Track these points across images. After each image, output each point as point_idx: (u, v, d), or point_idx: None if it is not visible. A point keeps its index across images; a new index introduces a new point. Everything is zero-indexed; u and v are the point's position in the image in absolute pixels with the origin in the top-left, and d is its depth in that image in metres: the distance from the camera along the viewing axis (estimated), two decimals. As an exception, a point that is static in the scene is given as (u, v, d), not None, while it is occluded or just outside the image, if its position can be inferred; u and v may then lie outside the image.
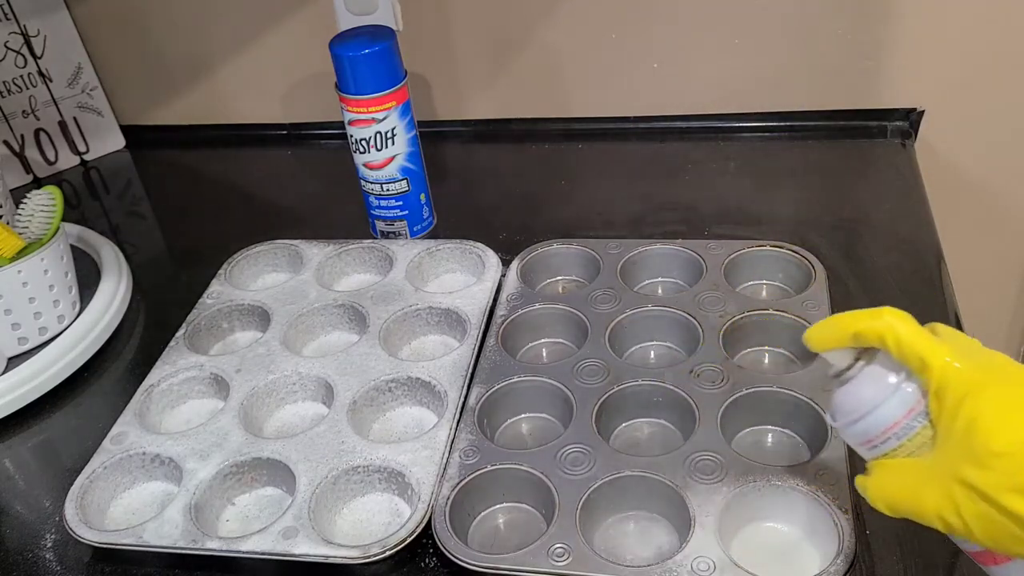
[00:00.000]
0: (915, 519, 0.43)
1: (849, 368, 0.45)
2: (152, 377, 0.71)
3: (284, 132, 1.10)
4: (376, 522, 0.59)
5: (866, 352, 0.45)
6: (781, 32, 0.90)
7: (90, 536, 0.58)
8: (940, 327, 0.45)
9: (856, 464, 0.57)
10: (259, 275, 0.84)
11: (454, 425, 0.62)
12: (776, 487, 0.54)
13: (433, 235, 0.86)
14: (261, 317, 0.76)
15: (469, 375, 0.66)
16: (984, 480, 0.39)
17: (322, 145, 1.08)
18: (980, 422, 0.40)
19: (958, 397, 0.41)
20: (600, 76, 0.97)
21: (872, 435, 0.45)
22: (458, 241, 0.81)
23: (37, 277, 0.73)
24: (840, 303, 0.68)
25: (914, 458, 0.44)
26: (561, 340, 0.72)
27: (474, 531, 0.58)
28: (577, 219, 0.86)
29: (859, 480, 0.46)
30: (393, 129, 0.79)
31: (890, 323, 0.43)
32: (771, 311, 0.68)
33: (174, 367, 0.71)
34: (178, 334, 0.75)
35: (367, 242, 0.83)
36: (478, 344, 0.69)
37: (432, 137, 0.90)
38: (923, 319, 0.45)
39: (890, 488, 0.44)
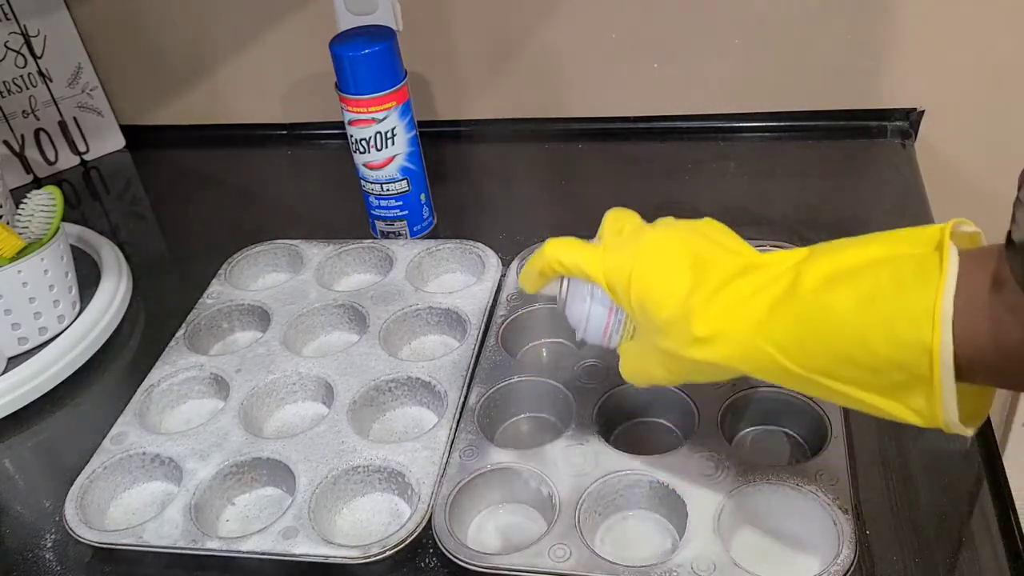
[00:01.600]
0: (654, 384, 0.51)
1: (558, 295, 0.54)
2: (152, 377, 0.71)
3: (284, 132, 1.10)
4: (376, 522, 0.59)
5: (564, 276, 0.53)
6: (781, 32, 0.90)
7: (90, 536, 0.58)
8: (610, 217, 0.53)
9: (856, 464, 0.57)
10: (259, 275, 0.84)
11: (454, 425, 0.62)
12: (776, 487, 0.54)
13: (433, 235, 0.86)
14: (261, 317, 0.76)
15: (469, 375, 0.66)
16: (670, 345, 0.47)
17: (322, 145, 1.08)
18: (646, 302, 0.48)
19: (623, 286, 0.49)
20: (600, 76, 0.97)
21: (599, 337, 0.53)
22: (458, 241, 0.81)
23: (37, 277, 0.73)
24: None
25: (635, 341, 0.52)
26: (561, 340, 0.72)
27: (474, 531, 0.58)
28: (577, 219, 0.86)
29: (619, 367, 0.54)
30: (393, 129, 0.79)
31: (551, 254, 0.52)
32: (771, 311, 0.68)
33: (174, 367, 0.72)
34: (178, 334, 0.75)
35: (367, 242, 0.83)
36: (478, 344, 0.69)
37: (432, 137, 0.90)
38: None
39: (629, 368, 0.53)
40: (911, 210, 0.82)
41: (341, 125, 0.81)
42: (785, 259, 0.45)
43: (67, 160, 1.10)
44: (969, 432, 0.40)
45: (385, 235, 0.86)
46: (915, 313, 0.38)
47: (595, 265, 0.50)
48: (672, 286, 0.47)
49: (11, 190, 0.98)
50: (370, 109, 0.77)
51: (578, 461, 0.58)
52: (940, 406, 0.38)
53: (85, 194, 1.07)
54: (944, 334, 0.37)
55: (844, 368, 0.41)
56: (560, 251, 0.52)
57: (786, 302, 0.43)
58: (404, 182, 0.82)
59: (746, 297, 0.44)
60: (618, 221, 0.53)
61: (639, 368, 0.52)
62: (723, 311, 0.45)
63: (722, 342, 0.45)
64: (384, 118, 0.78)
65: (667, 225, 0.52)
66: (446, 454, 0.60)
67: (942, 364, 0.37)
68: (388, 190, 0.82)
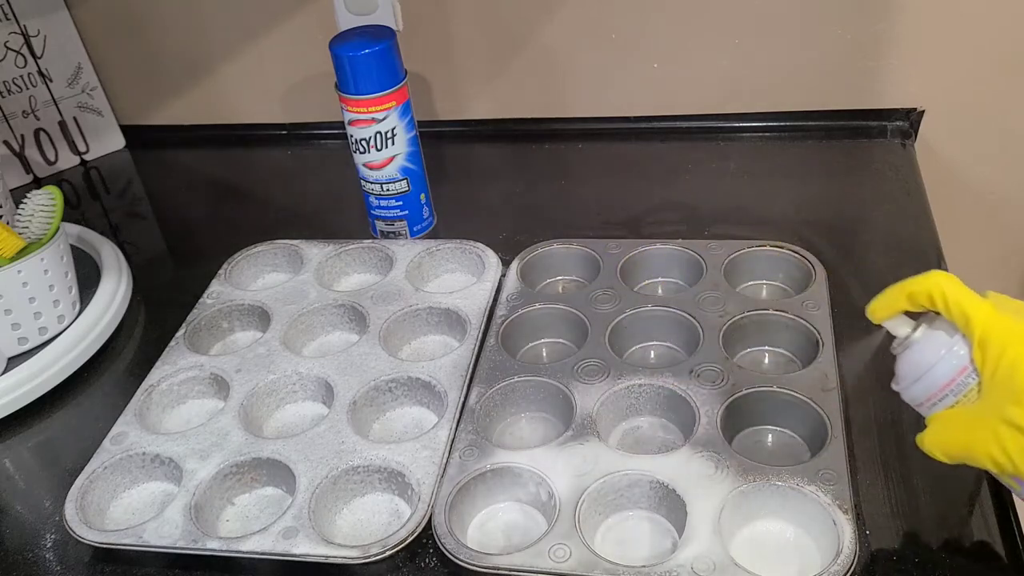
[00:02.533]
0: (968, 461, 0.47)
1: (908, 336, 0.50)
2: (152, 377, 0.71)
3: (284, 132, 1.10)
4: (376, 522, 0.59)
5: (923, 320, 0.50)
6: (781, 32, 0.90)
7: (90, 536, 0.58)
8: (991, 293, 0.48)
9: (856, 464, 0.57)
10: (259, 275, 0.84)
11: (454, 425, 0.62)
12: (776, 487, 0.54)
13: (433, 235, 0.86)
14: (261, 317, 0.76)
15: (469, 375, 0.66)
16: (1019, 415, 0.44)
17: (322, 145, 1.08)
18: (1021, 366, 0.44)
19: (1000, 346, 0.45)
20: (600, 76, 0.97)
21: (931, 393, 0.49)
22: (458, 241, 0.81)
23: (37, 277, 0.73)
24: (840, 303, 0.68)
25: (964, 407, 0.47)
26: (561, 340, 0.72)
27: (474, 531, 0.58)
28: (577, 219, 0.86)
29: (918, 437, 0.50)
30: (393, 129, 0.79)
31: (937, 281, 0.48)
32: (771, 311, 0.68)
33: (174, 367, 0.72)
34: (178, 334, 0.75)
35: (367, 242, 0.83)
36: (478, 344, 0.69)
37: (432, 137, 0.90)
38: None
39: (943, 436, 0.48)
40: (911, 210, 0.82)
41: (341, 125, 0.81)
42: None
43: (67, 160, 1.10)
44: None
45: (385, 235, 0.86)
46: None
47: (980, 312, 0.46)
48: None
49: (11, 190, 0.98)
50: (370, 109, 0.77)
51: (578, 461, 0.58)
52: None
53: (85, 194, 1.07)
54: None
55: None
56: (947, 284, 0.48)
57: None
58: (404, 182, 0.82)
59: None
60: (1006, 299, 0.49)
61: (958, 437, 0.47)
62: None
63: None
64: (384, 118, 0.78)
65: None
66: (446, 454, 0.60)
67: None
68: (388, 190, 0.82)
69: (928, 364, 0.48)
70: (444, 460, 0.60)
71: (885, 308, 0.50)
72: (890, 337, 0.52)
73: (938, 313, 0.49)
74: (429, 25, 0.96)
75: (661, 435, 0.62)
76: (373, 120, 0.78)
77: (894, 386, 0.52)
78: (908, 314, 0.50)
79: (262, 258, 0.84)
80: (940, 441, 0.49)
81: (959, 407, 0.48)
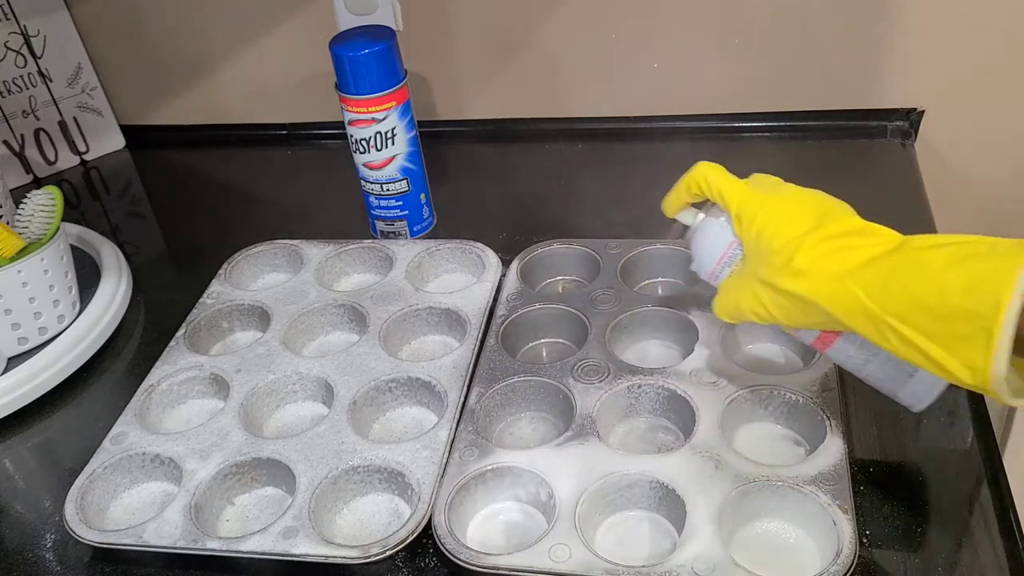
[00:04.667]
0: (742, 319, 0.55)
1: (693, 223, 0.59)
2: (152, 377, 0.71)
3: (284, 132, 1.10)
4: (376, 522, 0.59)
5: (704, 208, 0.59)
6: (781, 32, 0.90)
7: (90, 536, 0.58)
8: (756, 175, 0.57)
9: (856, 464, 0.57)
10: (259, 275, 0.84)
11: (454, 425, 0.62)
12: (776, 487, 0.54)
13: (433, 235, 0.86)
14: (261, 317, 0.76)
15: (469, 375, 0.66)
16: (767, 273, 0.52)
17: (322, 145, 1.08)
18: (765, 231, 0.53)
19: (751, 216, 0.54)
20: (600, 76, 0.97)
21: (712, 267, 0.58)
22: (458, 241, 0.81)
23: (37, 277, 0.73)
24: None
25: (736, 275, 0.56)
26: (561, 340, 0.72)
27: (474, 531, 0.58)
28: (577, 219, 0.86)
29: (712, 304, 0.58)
30: (393, 129, 0.79)
31: (701, 169, 0.57)
32: (771, 311, 0.68)
33: (174, 367, 0.72)
34: (178, 334, 0.75)
35: (367, 242, 0.83)
36: (478, 344, 0.69)
37: (432, 137, 0.90)
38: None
39: (722, 300, 0.57)
40: (911, 210, 0.82)
41: (341, 125, 0.81)
42: (904, 236, 0.50)
43: (67, 160, 1.10)
44: (1014, 402, 0.43)
45: (385, 235, 0.86)
46: (998, 273, 0.42)
47: (735, 191, 0.55)
48: (793, 222, 0.52)
49: (11, 190, 0.98)
50: (370, 109, 0.77)
51: (578, 461, 0.58)
52: (992, 358, 0.41)
53: (85, 194, 1.07)
54: (1016, 294, 0.40)
55: (917, 313, 0.44)
56: (709, 171, 0.57)
57: (886, 257, 0.48)
58: (404, 182, 0.82)
59: (852, 248, 0.49)
60: (764, 176, 0.58)
61: (732, 299, 0.56)
62: (827, 253, 0.49)
63: (814, 277, 0.49)
64: (384, 118, 0.78)
65: (808, 189, 0.56)
66: (446, 454, 0.60)
67: (1006, 319, 0.41)
68: (388, 190, 0.82)
69: (708, 243, 0.58)
70: (444, 460, 0.60)
71: (672, 202, 0.59)
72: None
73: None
74: (429, 25, 0.96)
75: (661, 435, 0.62)
76: (373, 120, 0.78)
77: (691, 269, 0.60)
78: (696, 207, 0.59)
79: (262, 258, 0.84)
80: (720, 304, 0.57)
81: (734, 275, 0.56)
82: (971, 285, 0.42)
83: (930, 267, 0.45)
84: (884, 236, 0.50)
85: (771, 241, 0.52)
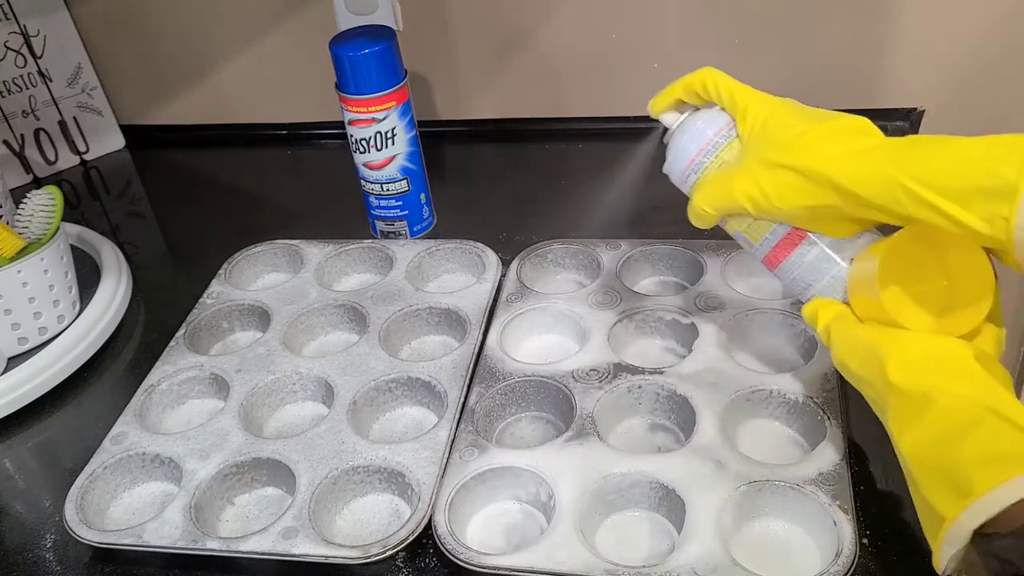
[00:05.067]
0: (729, 206, 0.54)
1: (675, 121, 0.58)
2: (152, 377, 0.71)
3: (284, 132, 1.10)
4: (376, 522, 0.59)
5: (688, 109, 0.58)
6: (781, 32, 0.90)
7: (90, 536, 0.58)
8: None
9: (856, 464, 0.57)
10: (259, 275, 0.84)
11: (454, 425, 0.62)
12: (776, 487, 0.54)
13: (433, 235, 0.86)
14: (261, 317, 0.76)
15: (469, 375, 0.66)
16: (770, 151, 0.52)
17: (322, 145, 1.08)
18: (772, 119, 0.53)
19: (758, 112, 0.54)
20: (600, 76, 0.97)
21: (689, 159, 0.57)
22: (458, 241, 0.81)
23: (37, 277, 0.73)
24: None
25: (725, 167, 0.55)
26: (561, 340, 0.72)
27: (474, 531, 0.58)
28: (577, 219, 0.86)
29: (688, 207, 0.57)
30: (393, 129, 0.79)
31: (709, 70, 0.56)
32: (771, 310, 0.68)
33: (174, 367, 0.72)
34: (178, 334, 0.75)
35: (367, 242, 0.83)
36: (478, 344, 0.69)
37: (432, 137, 0.90)
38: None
39: (706, 190, 0.56)
40: (911, 210, 0.82)
41: (341, 125, 0.81)
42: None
43: (67, 160, 1.10)
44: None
45: (385, 235, 0.86)
46: (1020, 136, 0.43)
47: (743, 90, 0.55)
48: (801, 117, 0.52)
49: (11, 190, 0.98)
50: (370, 109, 0.77)
51: (578, 461, 0.58)
52: (1016, 211, 0.41)
53: (85, 194, 1.07)
54: None
55: (934, 174, 0.44)
56: (716, 73, 0.56)
57: (898, 139, 0.48)
58: (404, 182, 0.82)
59: (863, 135, 0.50)
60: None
61: (720, 187, 0.54)
62: (837, 137, 0.50)
63: (824, 150, 0.49)
64: (384, 118, 0.78)
65: None
66: (446, 454, 0.60)
67: None
68: (388, 190, 0.82)
69: (688, 136, 0.57)
70: (444, 460, 0.60)
71: (663, 98, 0.58)
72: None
73: (707, 107, 0.57)
74: (429, 25, 0.96)
75: (661, 435, 0.62)
76: (373, 120, 0.78)
77: (664, 170, 0.59)
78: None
79: (262, 258, 0.84)
80: (704, 194, 0.55)
81: (721, 168, 0.55)
82: (994, 142, 0.43)
83: (949, 139, 0.46)
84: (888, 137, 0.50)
85: (779, 125, 0.52)
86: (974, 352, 0.47)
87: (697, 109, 0.58)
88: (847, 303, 0.53)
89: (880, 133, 0.51)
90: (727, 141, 0.55)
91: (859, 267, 0.52)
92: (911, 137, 0.48)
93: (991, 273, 0.48)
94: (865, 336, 0.50)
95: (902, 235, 0.49)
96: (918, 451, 0.45)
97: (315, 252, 0.82)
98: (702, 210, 0.56)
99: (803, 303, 0.56)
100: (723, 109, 0.56)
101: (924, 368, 0.46)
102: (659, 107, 0.59)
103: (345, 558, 0.55)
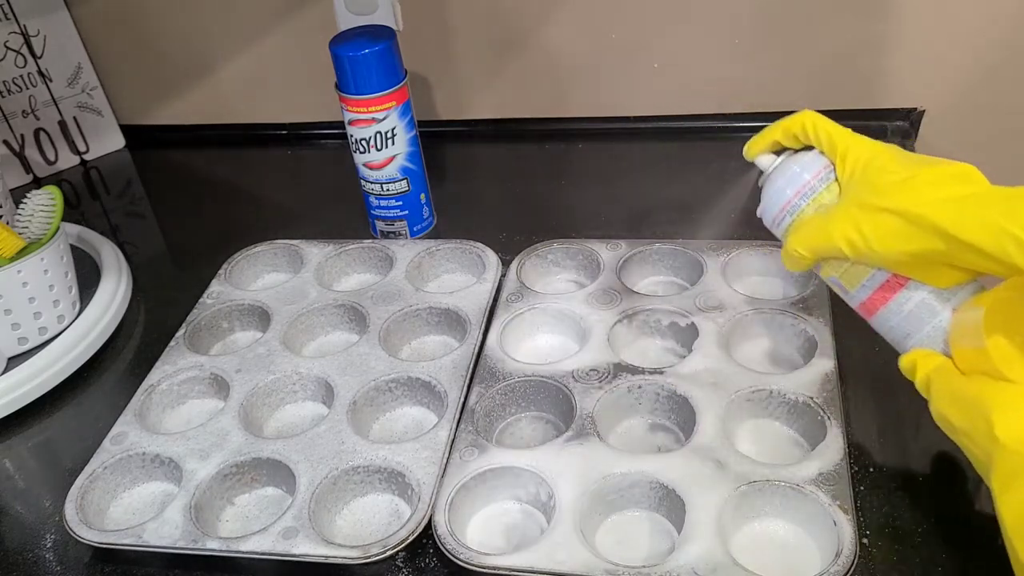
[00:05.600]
0: (827, 250, 0.53)
1: (772, 163, 0.58)
2: (152, 377, 0.71)
3: (284, 132, 1.10)
4: (376, 522, 0.59)
5: (786, 152, 0.57)
6: (781, 32, 0.90)
7: (90, 536, 0.58)
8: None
9: (856, 464, 0.57)
10: (259, 275, 0.84)
11: (454, 425, 0.62)
12: (776, 487, 0.54)
13: (433, 235, 0.86)
14: (261, 317, 0.76)
15: (469, 375, 0.66)
16: (871, 194, 0.50)
17: (322, 145, 1.08)
18: (873, 162, 0.52)
19: (858, 155, 0.53)
20: (600, 76, 0.97)
21: (785, 200, 0.56)
22: (458, 241, 0.81)
23: (37, 277, 0.73)
24: (840, 302, 0.68)
25: (823, 210, 0.54)
26: (561, 340, 0.72)
27: (474, 531, 0.58)
28: (577, 219, 0.86)
29: (782, 253, 0.56)
30: (393, 129, 0.79)
31: (808, 114, 0.56)
32: (771, 311, 0.68)
33: (174, 367, 0.72)
34: (178, 334, 0.75)
35: (367, 242, 0.83)
36: (478, 344, 0.69)
37: (432, 137, 0.90)
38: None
39: (803, 232, 0.54)
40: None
41: (341, 125, 0.81)
42: None
43: (67, 160, 1.11)
44: None
45: (385, 235, 0.86)
46: None
47: (844, 133, 0.55)
48: (902, 162, 0.51)
49: (11, 190, 0.98)
50: (370, 109, 0.77)
51: (578, 461, 0.58)
52: None
53: (85, 194, 1.07)
54: None
55: None
56: (816, 116, 0.56)
57: (1010, 189, 0.47)
58: (404, 182, 0.82)
59: (970, 182, 0.49)
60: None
61: (817, 230, 0.53)
62: (943, 182, 0.48)
63: (930, 194, 0.48)
64: (384, 118, 0.78)
65: None
66: (446, 454, 0.60)
67: None
68: (388, 190, 0.82)
69: (785, 179, 0.56)
70: (444, 460, 0.60)
71: (760, 141, 0.58)
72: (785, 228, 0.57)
73: (804, 150, 0.56)
74: (429, 25, 0.96)
75: (661, 435, 0.62)
76: (373, 120, 0.78)
77: (758, 214, 0.59)
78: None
79: (262, 258, 0.84)
80: (800, 237, 0.54)
81: (819, 211, 0.54)
82: None
83: None
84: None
85: (881, 169, 0.51)
86: None
87: (794, 152, 0.57)
88: (948, 355, 0.51)
89: (986, 180, 0.49)
90: (825, 184, 0.54)
91: (963, 317, 0.50)
92: (1020, 188, 0.46)
93: None
94: (969, 388, 0.47)
95: (1009, 285, 0.47)
96: (1021, 514, 0.42)
97: (315, 252, 0.82)
98: (797, 253, 0.55)
99: (899, 353, 0.53)
100: (821, 152, 0.56)
101: None
102: (755, 150, 0.59)
103: (345, 558, 0.55)
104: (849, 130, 0.55)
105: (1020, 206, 0.44)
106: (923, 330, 0.52)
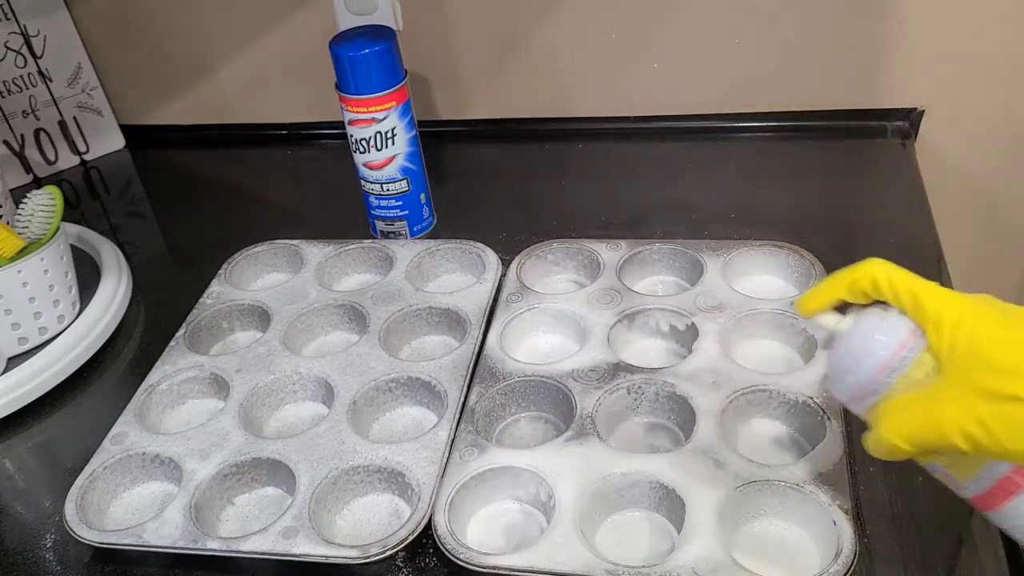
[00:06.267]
0: (935, 443, 0.43)
1: (838, 325, 0.47)
2: (152, 377, 0.71)
3: (284, 132, 1.10)
4: (376, 522, 0.59)
5: (852, 310, 0.47)
6: (781, 32, 0.90)
7: (90, 536, 0.58)
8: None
9: (856, 463, 0.57)
10: (259, 275, 0.84)
11: (454, 425, 0.62)
12: (776, 487, 0.54)
13: (433, 235, 0.86)
14: (261, 317, 0.76)
15: (469, 375, 0.66)
16: (989, 378, 0.40)
17: (322, 145, 1.08)
18: (979, 333, 0.42)
19: (955, 320, 0.43)
20: (600, 76, 0.97)
21: (869, 377, 0.45)
22: (458, 241, 0.81)
23: (37, 277, 0.73)
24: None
25: (919, 391, 0.44)
26: (561, 340, 0.72)
27: (474, 531, 0.58)
28: (577, 219, 0.86)
29: (867, 436, 0.46)
30: (393, 129, 0.79)
31: (880, 264, 0.46)
32: (771, 310, 0.68)
33: (174, 367, 0.72)
34: (178, 334, 0.75)
35: (367, 242, 0.83)
36: (478, 344, 0.69)
37: (432, 137, 0.90)
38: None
39: (903, 420, 0.44)
40: (911, 210, 0.82)
41: (341, 125, 0.81)
42: None
43: (67, 160, 1.11)
44: None
45: (385, 235, 0.86)
46: None
47: (928, 289, 0.44)
48: (1015, 328, 0.42)
49: (11, 190, 0.98)
50: (370, 109, 0.77)
51: (578, 461, 0.58)
52: None
53: (85, 194, 1.07)
54: None
55: None
56: (890, 268, 0.46)
57: None
58: (404, 182, 0.82)
59: None
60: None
61: (922, 417, 0.43)
62: None
63: None
64: (384, 118, 0.78)
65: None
66: (446, 454, 0.60)
67: None
68: (388, 190, 0.82)
69: (863, 348, 0.45)
70: (444, 460, 0.60)
71: (820, 298, 0.48)
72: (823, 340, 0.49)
73: (873, 304, 0.46)
74: (429, 25, 0.96)
75: (661, 435, 0.62)
76: (373, 120, 0.78)
77: (825, 385, 0.48)
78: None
79: (262, 258, 0.84)
80: (900, 426, 0.44)
81: (910, 393, 0.44)
82: None
83: None
84: None
85: (993, 340, 0.42)
86: None
87: (865, 309, 0.47)
88: None
89: None
90: (917, 355, 0.44)
91: None
92: None
93: None
94: None
95: None
96: None
97: (315, 252, 0.82)
98: (893, 446, 0.44)
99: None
100: (902, 312, 0.45)
101: None
102: (814, 307, 0.48)
103: (345, 558, 0.55)
104: (933, 284, 0.45)
105: None
106: None
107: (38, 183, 1.08)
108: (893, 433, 0.44)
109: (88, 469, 0.63)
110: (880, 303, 0.46)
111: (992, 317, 0.43)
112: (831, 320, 0.47)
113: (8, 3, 1.01)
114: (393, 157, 0.80)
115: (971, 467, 0.44)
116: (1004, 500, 0.43)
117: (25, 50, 1.03)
